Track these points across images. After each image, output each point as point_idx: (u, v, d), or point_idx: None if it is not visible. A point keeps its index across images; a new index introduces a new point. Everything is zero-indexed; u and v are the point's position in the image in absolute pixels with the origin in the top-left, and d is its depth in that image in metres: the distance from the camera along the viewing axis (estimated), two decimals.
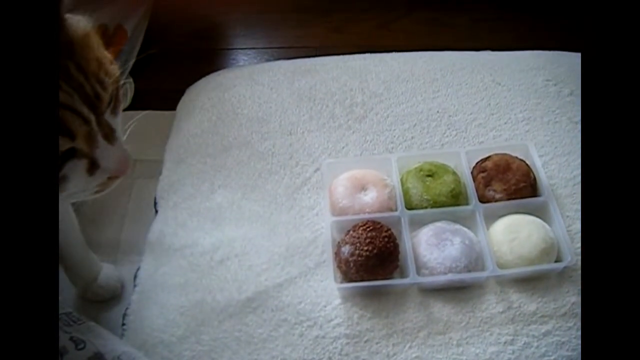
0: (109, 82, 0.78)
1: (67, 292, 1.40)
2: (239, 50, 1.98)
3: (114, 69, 0.81)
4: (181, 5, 2.12)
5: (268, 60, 1.83)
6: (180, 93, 1.68)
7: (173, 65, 1.94)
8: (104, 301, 1.43)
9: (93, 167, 0.78)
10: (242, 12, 2.12)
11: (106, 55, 0.81)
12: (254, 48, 1.98)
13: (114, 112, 0.81)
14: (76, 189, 0.79)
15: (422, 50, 1.67)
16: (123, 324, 1.25)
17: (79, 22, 0.79)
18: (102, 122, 0.78)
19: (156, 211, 1.42)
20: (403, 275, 1.19)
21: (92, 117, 0.76)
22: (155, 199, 1.44)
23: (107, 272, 1.43)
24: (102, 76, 0.77)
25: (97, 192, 0.83)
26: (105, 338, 0.99)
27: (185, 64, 1.95)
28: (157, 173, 1.52)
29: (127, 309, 1.27)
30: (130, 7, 1.85)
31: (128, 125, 0.91)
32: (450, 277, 1.15)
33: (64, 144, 0.73)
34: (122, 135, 0.84)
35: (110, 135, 0.79)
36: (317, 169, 1.37)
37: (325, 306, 1.17)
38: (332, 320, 1.16)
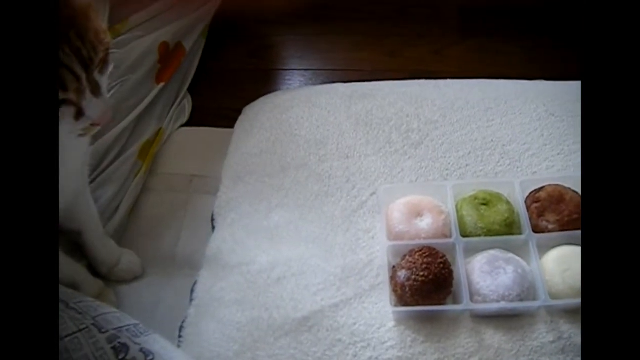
0: (101, 49, 0.93)
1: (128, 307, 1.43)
2: (295, 71, 2.02)
3: (107, 37, 0.96)
4: (237, 24, 2.17)
5: (323, 82, 1.85)
6: (236, 111, 1.72)
7: (229, 83, 1.98)
8: (125, 282, 1.48)
9: (79, 114, 0.94)
10: (297, 33, 2.16)
11: (102, 26, 0.96)
12: (309, 69, 2.02)
13: (102, 72, 0.96)
14: (63, 131, 0.92)
15: (475, 77, 1.69)
16: (180, 336, 1.28)
17: None
18: (91, 80, 0.93)
19: (213, 227, 1.46)
20: (456, 301, 1.22)
21: (84, 75, 0.91)
22: (212, 215, 1.48)
23: (129, 257, 1.48)
24: (96, 43, 0.92)
25: (80, 135, 1.00)
26: (171, 350, 1.03)
27: (240, 83, 1.99)
28: (213, 189, 1.56)
29: (183, 321, 1.30)
30: (189, 25, 1.90)
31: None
32: (502, 305, 1.18)
33: (59, 95, 0.89)
34: (107, 92, 0.99)
35: (96, 90, 0.94)
36: (373, 193, 1.40)
37: (379, 328, 1.20)
38: (385, 342, 1.18)
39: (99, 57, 0.93)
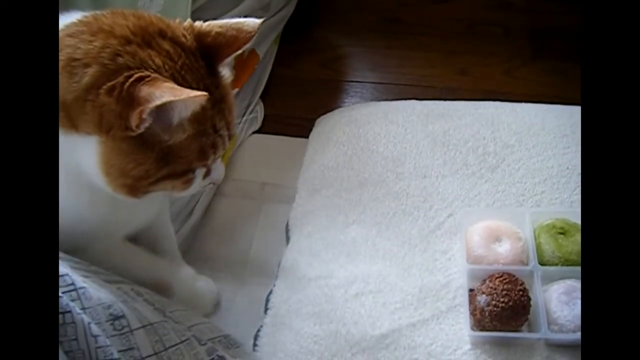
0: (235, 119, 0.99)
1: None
2: (366, 84, 2.04)
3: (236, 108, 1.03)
4: (309, 33, 2.19)
5: (395, 96, 1.87)
6: (307, 120, 1.75)
7: (300, 92, 2.01)
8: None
9: (206, 174, 0.99)
10: (368, 46, 2.17)
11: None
12: (380, 83, 2.04)
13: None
14: (193, 190, 0.98)
15: (546, 100, 1.70)
16: (255, 345, 1.31)
17: (226, 75, 0.97)
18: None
19: (287, 237, 1.49)
20: (531, 328, 1.24)
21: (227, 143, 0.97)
22: (287, 225, 1.51)
23: (204, 283, 1.41)
24: (234, 115, 0.98)
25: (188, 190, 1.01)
26: None
27: (311, 92, 2.01)
28: (285, 198, 1.59)
29: (259, 330, 1.33)
30: (263, 32, 1.92)
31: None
32: (579, 336, 1.19)
33: (205, 162, 0.95)
34: None
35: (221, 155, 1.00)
36: (451, 215, 1.42)
37: (455, 350, 1.22)
38: None
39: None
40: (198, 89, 0.86)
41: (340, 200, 1.48)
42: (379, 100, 1.83)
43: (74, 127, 0.85)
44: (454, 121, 1.61)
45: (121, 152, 0.86)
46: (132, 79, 0.81)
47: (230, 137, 0.97)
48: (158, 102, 0.79)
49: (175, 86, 0.83)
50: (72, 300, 0.80)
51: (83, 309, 0.81)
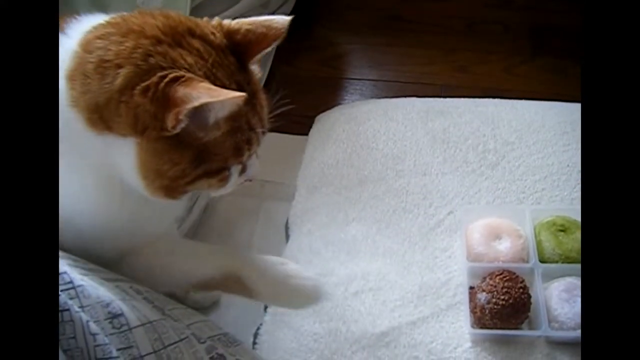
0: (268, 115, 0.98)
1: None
2: (366, 81, 2.04)
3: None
4: (309, 30, 2.19)
5: (395, 93, 1.87)
6: (307, 117, 1.74)
7: (300, 89, 2.00)
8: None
9: (242, 171, 0.97)
10: (368, 43, 2.17)
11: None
12: (380, 80, 2.04)
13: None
14: (230, 187, 0.97)
15: (545, 98, 1.69)
16: (255, 343, 1.31)
17: (256, 72, 0.96)
18: None
19: (287, 235, 1.49)
20: (532, 326, 1.24)
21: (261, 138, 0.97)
22: (287, 223, 1.51)
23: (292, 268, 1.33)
24: (266, 111, 0.97)
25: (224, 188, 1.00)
26: None
27: (311, 89, 2.02)
28: (284, 196, 1.59)
29: (258, 328, 1.33)
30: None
31: None
32: (580, 333, 1.18)
33: (241, 158, 0.94)
34: None
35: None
36: (451, 212, 1.42)
37: (455, 348, 1.22)
38: None
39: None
40: (230, 87, 0.86)
41: (340, 197, 1.48)
42: (379, 98, 1.83)
43: (108, 128, 0.85)
44: (453, 118, 1.61)
45: (157, 153, 0.85)
46: (166, 79, 0.81)
47: (264, 133, 0.97)
48: (196, 103, 0.79)
49: (212, 86, 0.82)
50: (71, 299, 0.80)
51: (81, 307, 0.80)
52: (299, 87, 2.01)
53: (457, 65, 2.05)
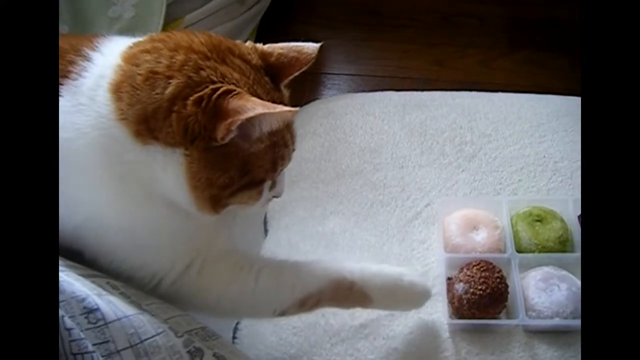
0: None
1: None
2: (343, 76, 2.04)
3: None
4: (286, 26, 2.19)
5: (372, 88, 1.87)
6: None
7: None
8: None
9: (272, 186, 1.00)
10: (345, 38, 2.18)
11: None
12: (357, 75, 2.04)
13: None
14: (261, 204, 1.00)
15: (524, 90, 1.71)
16: (234, 337, 1.31)
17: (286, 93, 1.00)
18: None
19: (266, 230, 1.49)
20: (509, 315, 1.25)
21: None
22: (265, 217, 1.51)
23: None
24: (295, 131, 1.00)
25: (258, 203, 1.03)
26: (240, 355, 1.06)
27: (288, 84, 2.01)
28: None
29: (238, 323, 1.33)
30: (240, 26, 1.92)
31: None
32: (557, 322, 1.20)
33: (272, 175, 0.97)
34: None
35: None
36: (428, 204, 1.42)
37: (435, 338, 1.23)
38: (441, 352, 1.21)
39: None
40: None
41: (318, 191, 1.48)
42: (356, 92, 1.83)
43: (155, 138, 0.87)
44: (430, 111, 1.61)
45: (208, 162, 0.88)
46: (219, 92, 0.85)
47: (293, 150, 1.00)
48: (251, 114, 0.82)
49: (264, 101, 0.86)
50: None
51: None
52: None
53: (434, 59, 2.06)
